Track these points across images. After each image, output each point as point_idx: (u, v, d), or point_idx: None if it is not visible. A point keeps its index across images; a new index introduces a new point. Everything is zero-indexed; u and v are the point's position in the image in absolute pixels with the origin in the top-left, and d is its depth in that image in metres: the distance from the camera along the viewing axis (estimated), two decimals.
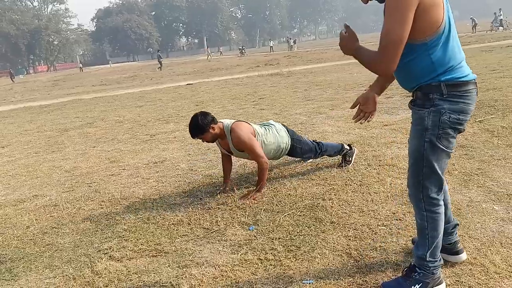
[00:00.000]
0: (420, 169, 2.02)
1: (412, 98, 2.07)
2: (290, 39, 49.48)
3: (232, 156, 3.97)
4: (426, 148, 1.96)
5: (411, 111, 2.08)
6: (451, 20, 1.86)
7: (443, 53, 1.86)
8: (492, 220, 2.82)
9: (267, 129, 3.91)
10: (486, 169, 3.69)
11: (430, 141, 1.95)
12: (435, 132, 1.92)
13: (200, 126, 3.54)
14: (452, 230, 2.34)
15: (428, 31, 1.81)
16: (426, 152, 1.97)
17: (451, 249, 2.35)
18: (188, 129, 3.63)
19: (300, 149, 4.00)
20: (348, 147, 4.23)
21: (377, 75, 2.29)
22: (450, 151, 2.00)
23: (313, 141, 4.16)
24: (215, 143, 3.85)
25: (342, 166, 4.12)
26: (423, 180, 2.02)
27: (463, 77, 1.90)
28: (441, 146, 1.96)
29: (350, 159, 4.19)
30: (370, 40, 43.95)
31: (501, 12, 32.98)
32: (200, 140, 3.70)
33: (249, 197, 3.59)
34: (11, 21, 70.94)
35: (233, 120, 3.81)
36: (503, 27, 31.93)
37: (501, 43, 18.69)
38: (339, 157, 4.23)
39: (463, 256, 2.35)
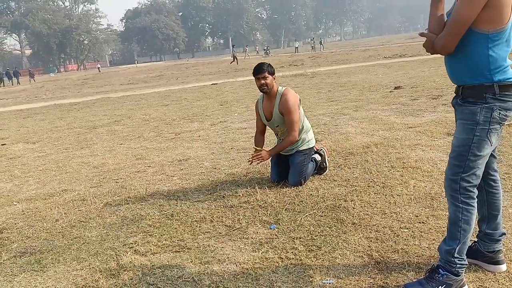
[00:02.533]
0: (463, 162, 2.08)
1: (459, 95, 2.13)
2: (313, 40, 49.06)
3: (265, 132, 4.09)
4: (474, 141, 2.04)
5: (455, 108, 2.17)
6: (511, 25, 1.97)
7: (500, 52, 1.97)
8: None
9: (306, 118, 4.03)
10: None
11: (480, 135, 2.04)
12: (486, 127, 2.02)
13: (271, 68, 3.82)
14: (499, 238, 2.32)
15: (492, 25, 1.92)
16: (474, 146, 2.05)
17: (492, 258, 2.31)
18: (260, 65, 3.83)
19: (305, 163, 3.88)
20: (318, 157, 4.12)
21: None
22: (494, 147, 2.12)
23: None
24: (256, 107, 4.02)
25: (320, 173, 4.11)
26: (463, 173, 2.08)
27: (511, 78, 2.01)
28: (489, 141, 2.05)
29: (324, 164, 4.14)
30: (396, 41, 43.17)
31: None
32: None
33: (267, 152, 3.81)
34: (44, 21, 73.03)
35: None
36: None
37: None
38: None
39: (504, 267, 2.30)
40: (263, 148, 4.05)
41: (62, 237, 3.31)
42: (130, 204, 3.87)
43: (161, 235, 3.14)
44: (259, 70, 3.79)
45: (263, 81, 3.79)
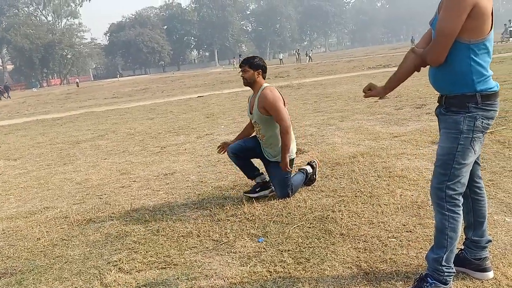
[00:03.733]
0: (449, 170, 2.10)
1: (442, 105, 2.16)
2: (299, 52, 49.36)
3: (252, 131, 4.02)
4: (459, 150, 2.07)
5: (438, 117, 2.21)
6: (492, 36, 2.01)
7: (481, 62, 2.01)
8: (503, 232, 2.78)
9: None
10: (497, 181, 3.64)
11: (464, 144, 2.06)
12: (469, 136, 2.05)
13: (255, 62, 3.74)
14: (485, 245, 2.33)
15: (474, 36, 1.96)
16: (458, 154, 2.07)
17: (479, 265, 2.31)
18: (245, 58, 3.82)
19: (288, 176, 3.78)
20: (310, 169, 4.08)
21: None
22: (477, 155, 2.14)
23: None
24: (247, 101, 3.97)
25: (309, 185, 4.09)
26: (449, 181, 2.10)
27: (493, 87, 2.06)
28: (473, 149, 2.08)
29: (314, 176, 4.12)
30: (379, 52, 43.88)
31: (511, 23, 32.79)
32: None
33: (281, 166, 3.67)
34: (26, 36, 72.35)
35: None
36: None
37: None
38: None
39: (491, 274, 2.31)
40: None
41: (44, 256, 3.22)
42: (114, 220, 3.79)
43: (146, 252, 3.07)
44: (242, 62, 3.79)
45: (242, 74, 3.78)
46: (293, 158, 3.91)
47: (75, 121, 12.88)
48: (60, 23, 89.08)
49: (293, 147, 3.86)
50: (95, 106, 17.73)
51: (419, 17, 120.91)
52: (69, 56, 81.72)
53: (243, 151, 3.93)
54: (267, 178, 3.97)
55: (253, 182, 4.06)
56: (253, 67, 3.73)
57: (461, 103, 2.06)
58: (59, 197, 4.77)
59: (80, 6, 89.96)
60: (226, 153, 3.99)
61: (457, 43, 1.99)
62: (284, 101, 3.78)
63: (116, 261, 2.98)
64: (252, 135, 4.07)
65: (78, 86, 48.70)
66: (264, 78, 3.82)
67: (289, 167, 3.71)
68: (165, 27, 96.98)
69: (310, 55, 46.91)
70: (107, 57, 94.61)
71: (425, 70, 2.29)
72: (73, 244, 3.37)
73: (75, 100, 24.03)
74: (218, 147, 4.14)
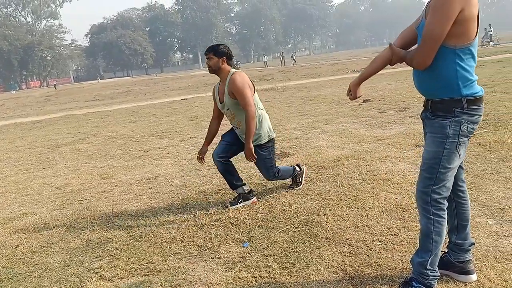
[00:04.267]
0: (434, 175, 2.11)
1: (428, 109, 2.16)
2: (283, 55, 49.39)
3: (221, 119, 3.98)
4: (445, 154, 2.08)
5: (424, 121, 2.21)
6: (477, 40, 2.03)
7: (467, 67, 2.02)
8: (486, 234, 2.81)
9: (264, 111, 3.87)
10: (479, 183, 3.69)
11: (449, 148, 2.08)
12: (455, 140, 2.07)
13: (220, 50, 3.68)
14: (468, 248, 2.34)
15: (459, 41, 1.97)
16: (444, 158, 2.08)
17: (462, 268, 2.33)
18: (209, 46, 3.76)
19: (270, 157, 3.79)
20: (298, 169, 4.15)
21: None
22: (462, 159, 2.16)
23: None
24: (212, 90, 3.92)
25: (293, 188, 4.10)
26: (434, 185, 2.11)
27: (478, 92, 2.06)
28: (458, 153, 2.10)
29: (300, 179, 4.15)
30: (363, 55, 44.39)
31: (491, 28, 33.51)
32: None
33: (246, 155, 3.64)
34: (4, 37, 71.01)
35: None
36: (493, 42, 32.41)
37: (492, 58, 18.98)
38: (290, 179, 4.16)
39: (474, 276, 2.32)
40: (209, 143, 4.02)
41: (23, 264, 3.12)
42: (95, 226, 3.71)
43: (128, 258, 3.01)
44: (206, 50, 3.72)
45: (207, 62, 3.72)
46: (273, 138, 3.85)
47: (54, 124, 12.65)
48: (40, 24, 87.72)
49: (269, 126, 3.83)
50: (76, 109, 17.45)
51: (402, 21, 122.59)
52: (49, 58, 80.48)
53: (228, 150, 3.86)
54: (248, 189, 3.93)
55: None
56: (217, 55, 3.66)
57: (447, 108, 2.06)
58: (38, 202, 4.65)
59: (61, 7, 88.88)
60: (211, 157, 3.91)
61: (443, 48, 1.99)
62: (254, 88, 3.76)
63: (97, 268, 2.91)
64: (228, 131, 3.98)
65: (55, 88, 47.02)
66: (229, 65, 3.74)
67: (254, 154, 3.64)
68: (148, 28, 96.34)
69: (294, 57, 47.07)
70: (88, 59, 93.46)
71: (407, 74, 2.29)
72: (53, 251, 3.29)
73: (55, 103, 23.64)
74: (198, 159, 4.01)
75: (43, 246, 3.41)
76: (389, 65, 2.31)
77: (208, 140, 4.03)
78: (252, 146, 3.64)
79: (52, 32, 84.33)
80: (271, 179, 3.92)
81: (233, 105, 3.69)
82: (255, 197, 3.93)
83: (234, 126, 3.86)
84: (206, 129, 4.14)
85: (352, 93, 2.46)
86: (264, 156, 3.75)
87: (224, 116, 3.98)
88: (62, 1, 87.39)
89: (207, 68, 3.79)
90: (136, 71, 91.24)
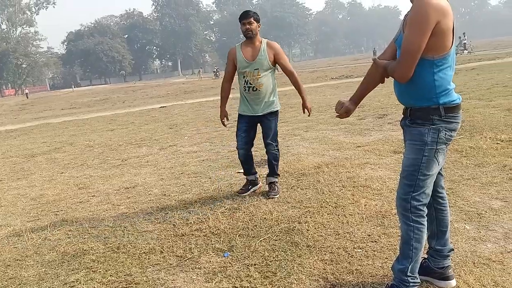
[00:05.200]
0: (413, 182, 2.13)
1: (407, 117, 2.19)
2: None
3: (232, 80, 4.21)
4: (423, 161, 2.10)
5: (404, 129, 2.24)
6: (454, 49, 2.07)
7: (444, 76, 2.06)
8: (464, 239, 2.85)
9: None
10: (456, 189, 3.75)
11: (428, 155, 2.10)
12: (433, 147, 2.09)
13: (258, 16, 4.02)
14: (448, 254, 2.37)
15: (437, 52, 2.01)
16: (423, 165, 2.10)
17: (442, 274, 2.35)
18: (246, 11, 4.00)
19: (275, 123, 4.17)
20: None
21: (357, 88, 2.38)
22: (440, 166, 2.18)
23: None
24: (230, 55, 4.11)
25: (271, 196, 4.07)
26: (414, 192, 2.13)
27: (455, 100, 2.10)
28: (437, 160, 2.12)
29: (277, 188, 4.19)
30: (342, 63, 44.96)
31: (465, 36, 34.41)
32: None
33: (308, 108, 4.16)
34: None
35: None
36: (467, 50, 33.26)
37: (466, 66, 19.45)
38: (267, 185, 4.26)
39: (453, 282, 2.34)
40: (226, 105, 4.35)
41: None
42: (72, 238, 3.61)
43: (106, 271, 2.93)
44: (246, 15, 3.94)
45: (248, 26, 3.92)
46: (278, 110, 4.19)
47: (29, 133, 12.35)
48: (15, 32, 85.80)
49: (277, 100, 4.18)
50: (52, 117, 17.10)
51: (379, 29, 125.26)
52: (24, 66, 78.90)
53: (248, 140, 4.18)
54: (258, 177, 4.38)
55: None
56: (257, 20, 3.96)
57: (425, 116, 2.09)
58: (12, 214, 4.51)
59: (37, 14, 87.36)
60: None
61: (421, 59, 2.01)
62: None
63: (74, 281, 2.82)
64: (239, 124, 4.21)
65: (27, 97, 44.38)
66: None
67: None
68: (126, 36, 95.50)
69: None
70: (64, 67, 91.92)
71: (386, 81, 2.32)
72: (27, 265, 3.18)
73: (30, 111, 23.13)
74: (222, 122, 4.41)
75: (17, 259, 3.30)
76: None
77: (224, 102, 4.33)
78: (307, 98, 4.20)
79: (28, 40, 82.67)
80: (274, 148, 4.17)
81: (265, 66, 3.96)
82: (260, 183, 4.37)
83: (250, 88, 4.01)
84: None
85: (345, 114, 2.39)
86: (275, 123, 4.14)
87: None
88: (38, 8, 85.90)
89: (245, 32, 3.96)
90: (114, 78, 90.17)
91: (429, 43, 1.97)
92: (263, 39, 4.04)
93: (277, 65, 4.09)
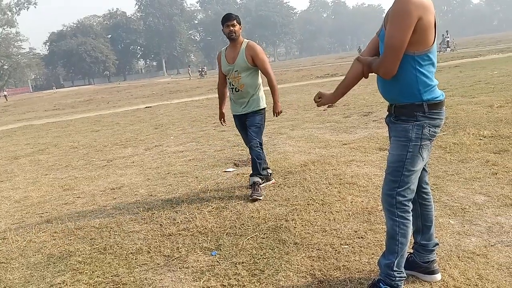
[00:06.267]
0: (398, 177, 2.15)
1: (392, 113, 2.21)
2: None
3: (226, 85, 4.34)
4: (408, 157, 2.13)
5: (389, 125, 2.26)
6: (435, 47, 2.09)
7: (426, 73, 2.07)
8: (448, 234, 2.89)
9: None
10: (440, 184, 3.80)
11: (413, 151, 2.12)
12: (418, 143, 2.12)
13: (239, 19, 4.12)
14: (433, 248, 2.40)
15: (418, 48, 2.02)
16: (408, 161, 2.13)
17: (427, 268, 2.38)
18: (229, 14, 4.08)
19: (262, 124, 4.23)
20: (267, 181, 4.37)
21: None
22: (425, 162, 2.21)
23: None
24: (218, 58, 4.27)
25: (254, 198, 3.96)
26: (399, 188, 2.15)
27: (439, 97, 2.12)
28: (421, 156, 2.14)
29: (261, 191, 4.10)
30: (327, 62, 45.14)
31: (448, 34, 34.86)
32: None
33: (276, 112, 4.26)
34: None
35: None
36: (450, 48, 33.72)
37: (449, 63, 19.74)
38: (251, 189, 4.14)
39: (438, 276, 2.38)
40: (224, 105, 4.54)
41: None
42: (57, 240, 3.56)
43: (92, 272, 2.90)
44: (229, 18, 4.02)
45: (232, 28, 4.00)
46: (265, 107, 4.29)
47: (12, 135, 12.15)
48: None
49: (262, 99, 4.26)
50: (35, 119, 16.84)
51: (363, 28, 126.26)
52: (5, 67, 77.57)
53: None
54: (271, 172, 4.48)
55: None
56: (239, 23, 4.08)
57: (409, 112, 2.12)
58: None
59: (18, 15, 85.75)
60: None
61: (403, 56, 2.03)
62: None
63: (60, 283, 2.80)
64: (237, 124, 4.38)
65: (6, 99, 42.01)
66: None
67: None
68: (110, 36, 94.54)
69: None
70: (47, 68, 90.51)
71: (371, 79, 2.34)
72: (13, 267, 3.14)
73: (12, 113, 22.74)
74: (221, 123, 4.66)
75: (1, 262, 3.25)
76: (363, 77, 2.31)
77: (221, 103, 4.54)
78: (278, 100, 4.27)
79: (9, 40, 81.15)
80: (257, 146, 4.15)
81: (243, 67, 4.06)
82: (274, 179, 4.45)
83: (233, 89, 4.15)
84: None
85: (322, 103, 2.42)
86: (258, 120, 4.17)
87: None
88: (19, 8, 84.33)
89: (229, 34, 4.02)
90: (98, 79, 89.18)
91: (411, 39, 1.98)
92: (244, 40, 4.12)
93: None
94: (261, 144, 4.22)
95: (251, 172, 4.24)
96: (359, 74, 2.25)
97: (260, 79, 4.24)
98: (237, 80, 4.10)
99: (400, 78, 2.08)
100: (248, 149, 4.31)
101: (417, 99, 2.09)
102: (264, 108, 4.25)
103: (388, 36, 2.02)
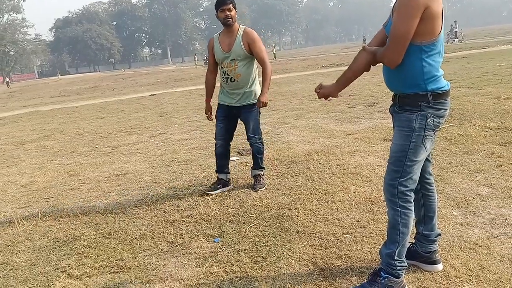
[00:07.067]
0: (401, 167, 2.15)
1: (396, 103, 2.20)
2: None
3: (216, 72, 4.04)
4: (411, 147, 2.12)
5: (393, 115, 2.25)
6: (443, 35, 2.07)
7: (433, 63, 2.06)
8: (451, 225, 2.90)
9: None
10: (444, 176, 3.80)
11: (416, 141, 2.12)
12: (421, 134, 2.11)
13: (235, 4, 3.77)
14: (435, 239, 2.41)
15: (425, 37, 2.00)
16: (410, 151, 2.12)
17: (429, 258, 2.40)
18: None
19: (258, 117, 3.98)
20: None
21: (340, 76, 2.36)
22: (428, 152, 2.21)
23: None
24: (209, 45, 3.93)
25: (256, 189, 3.98)
26: (401, 178, 2.15)
27: (444, 87, 2.11)
28: (424, 147, 2.14)
29: (263, 180, 4.09)
30: (332, 51, 44.78)
31: (457, 24, 34.49)
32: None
33: (261, 102, 3.78)
34: None
35: None
36: (458, 39, 33.38)
37: (457, 54, 19.57)
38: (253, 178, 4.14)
39: (440, 266, 2.39)
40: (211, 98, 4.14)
41: None
42: (63, 224, 3.61)
43: (97, 256, 2.94)
44: (224, 1, 3.70)
45: (228, 13, 3.70)
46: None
47: (18, 121, 12.21)
48: (2, 19, 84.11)
49: (259, 89, 3.96)
50: (41, 105, 16.91)
51: (370, 17, 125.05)
52: (12, 53, 77.63)
53: (225, 131, 4.00)
54: (230, 178, 4.15)
55: (211, 181, 4.03)
56: (235, 7, 3.77)
57: (413, 102, 2.11)
58: (2, 201, 4.49)
59: (24, 1, 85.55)
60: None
61: (409, 45, 2.02)
62: None
63: (65, 266, 2.84)
64: (217, 114, 4.04)
65: (8, 86, 40.60)
66: None
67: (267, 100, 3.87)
68: (115, 23, 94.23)
69: (275, 51, 46.95)
70: (52, 54, 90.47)
71: (375, 70, 2.33)
72: (19, 250, 3.18)
73: (18, 99, 22.82)
74: (208, 117, 4.18)
75: (8, 245, 3.30)
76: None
77: (209, 95, 4.13)
78: (267, 91, 3.83)
79: (15, 26, 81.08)
80: (257, 142, 4.00)
81: (240, 55, 3.77)
82: (232, 185, 4.12)
83: (228, 78, 3.86)
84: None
85: (323, 93, 2.38)
86: (255, 113, 3.93)
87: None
88: None
89: (225, 20, 3.73)
90: (103, 66, 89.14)
91: (418, 29, 1.96)
92: (240, 26, 3.84)
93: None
94: (260, 138, 4.05)
95: (253, 164, 4.17)
96: (363, 66, 2.23)
97: (256, 69, 3.99)
98: (233, 70, 3.81)
99: (405, 67, 2.07)
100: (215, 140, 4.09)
101: (421, 89, 2.08)
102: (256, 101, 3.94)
103: (395, 25, 2.01)
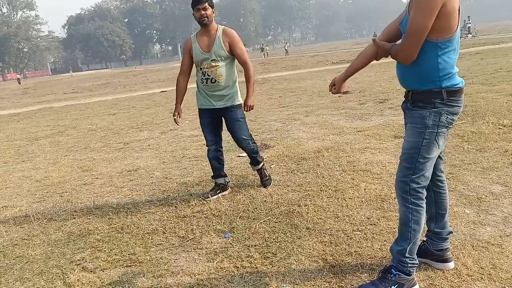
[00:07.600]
0: (413, 164, 2.14)
1: (409, 100, 2.19)
2: (263, 46, 49.26)
3: (189, 75, 3.96)
4: (424, 144, 2.11)
5: (405, 112, 2.24)
6: (459, 32, 2.06)
7: (448, 60, 2.04)
8: (463, 223, 2.88)
9: None
10: (457, 173, 3.78)
11: (429, 138, 2.11)
12: (434, 130, 2.10)
13: (212, 1, 3.64)
14: (447, 236, 2.40)
15: (441, 34, 1.99)
16: (423, 148, 2.12)
17: (440, 256, 2.39)
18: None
19: (244, 117, 3.85)
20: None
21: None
22: (441, 149, 2.20)
23: None
24: (186, 46, 3.78)
25: (266, 185, 3.98)
26: (413, 174, 2.14)
27: (458, 84, 2.10)
28: (437, 144, 2.13)
29: (267, 173, 4.06)
30: (343, 47, 44.46)
31: (470, 20, 34.01)
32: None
33: (248, 105, 3.75)
34: None
35: None
36: (471, 34, 32.93)
37: (470, 50, 19.31)
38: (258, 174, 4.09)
39: (451, 264, 2.38)
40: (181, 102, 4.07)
41: (4, 256, 3.09)
42: (77, 218, 3.68)
43: (110, 250, 3.00)
44: (199, 1, 3.55)
45: (203, 12, 3.56)
46: (241, 103, 3.87)
47: (33, 117, 12.39)
48: (16, 15, 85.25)
49: (238, 93, 3.86)
50: (54, 101, 17.11)
51: (381, 14, 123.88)
52: (25, 50, 78.63)
53: (217, 130, 3.92)
54: (228, 181, 4.03)
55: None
56: (212, 6, 3.62)
57: (427, 99, 2.09)
58: (18, 195, 4.57)
59: None
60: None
61: (425, 42, 2.00)
62: None
63: (79, 260, 2.90)
64: (202, 120, 3.96)
65: (19, 83, 40.63)
66: None
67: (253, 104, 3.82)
68: (126, 20, 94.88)
69: (286, 48, 46.79)
70: (65, 51, 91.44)
71: (386, 66, 2.33)
72: (34, 244, 3.25)
73: (33, 95, 23.11)
74: (175, 120, 4.08)
75: (24, 238, 3.37)
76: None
77: (180, 99, 4.03)
78: (252, 94, 3.80)
79: (29, 23, 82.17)
80: (249, 143, 3.87)
81: (221, 55, 3.64)
82: (230, 188, 4.01)
83: (208, 79, 3.71)
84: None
85: (336, 88, 2.46)
86: (239, 115, 3.79)
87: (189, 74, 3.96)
88: None
89: (200, 19, 3.59)
90: (115, 63, 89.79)
91: (434, 25, 1.95)
92: (219, 26, 3.70)
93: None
94: (252, 139, 3.93)
95: (250, 161, 4.08)
96: (371, 55, 2.24)
97: (236, 69, 3.86)
98: (214, 70, 3.66)
99: (421, 64, 2.06)
100: (206, 145, 4.03)
101: (436, 86, 2.06)
102: (241, 104, 3.86)
103: (411, 21, 1.99)
